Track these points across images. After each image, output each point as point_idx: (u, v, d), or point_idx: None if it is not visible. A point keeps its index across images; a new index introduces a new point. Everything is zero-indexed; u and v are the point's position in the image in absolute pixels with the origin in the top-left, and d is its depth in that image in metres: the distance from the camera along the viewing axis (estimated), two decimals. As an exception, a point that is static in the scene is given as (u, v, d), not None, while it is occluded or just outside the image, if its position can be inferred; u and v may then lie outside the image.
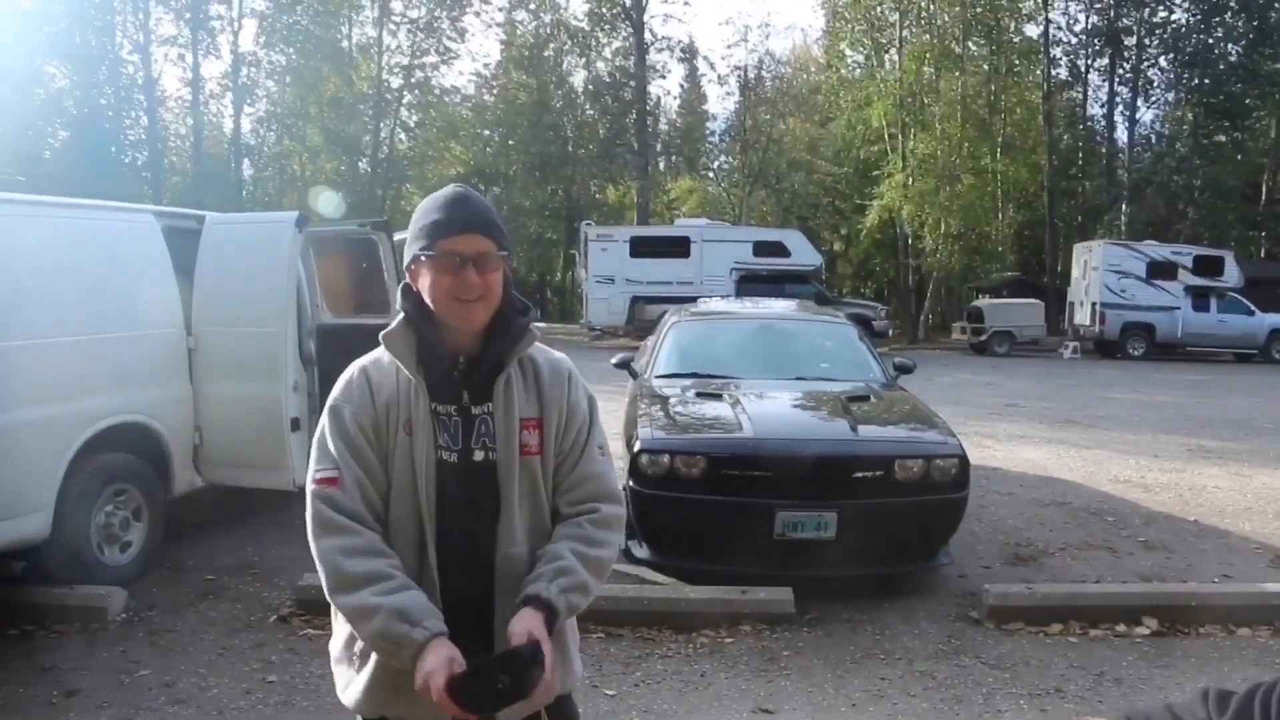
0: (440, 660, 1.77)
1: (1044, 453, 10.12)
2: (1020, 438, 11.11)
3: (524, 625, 1.82)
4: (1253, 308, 25.71)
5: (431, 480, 1.95)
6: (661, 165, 46.41)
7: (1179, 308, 25.72)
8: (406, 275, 2.02)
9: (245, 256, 6.03)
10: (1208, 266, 26.62)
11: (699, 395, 6.27)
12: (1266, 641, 5.00)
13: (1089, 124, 41.51)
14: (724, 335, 7.58)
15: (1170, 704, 1.65)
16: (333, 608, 1.98)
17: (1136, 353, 25.52)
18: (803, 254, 26.33)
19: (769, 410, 5.99)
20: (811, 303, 11.26)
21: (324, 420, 2.00)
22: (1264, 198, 37.66)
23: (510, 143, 42.08)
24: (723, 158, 48.71)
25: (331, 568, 1.89)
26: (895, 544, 5.47)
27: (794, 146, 41.38)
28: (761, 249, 25.93)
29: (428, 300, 1.97)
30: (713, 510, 5.38)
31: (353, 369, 2.04)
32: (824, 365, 7.03)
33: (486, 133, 42.87)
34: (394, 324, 2.00)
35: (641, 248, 26.24)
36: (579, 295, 31.52)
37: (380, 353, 2.03)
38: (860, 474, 5.39)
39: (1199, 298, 25.80)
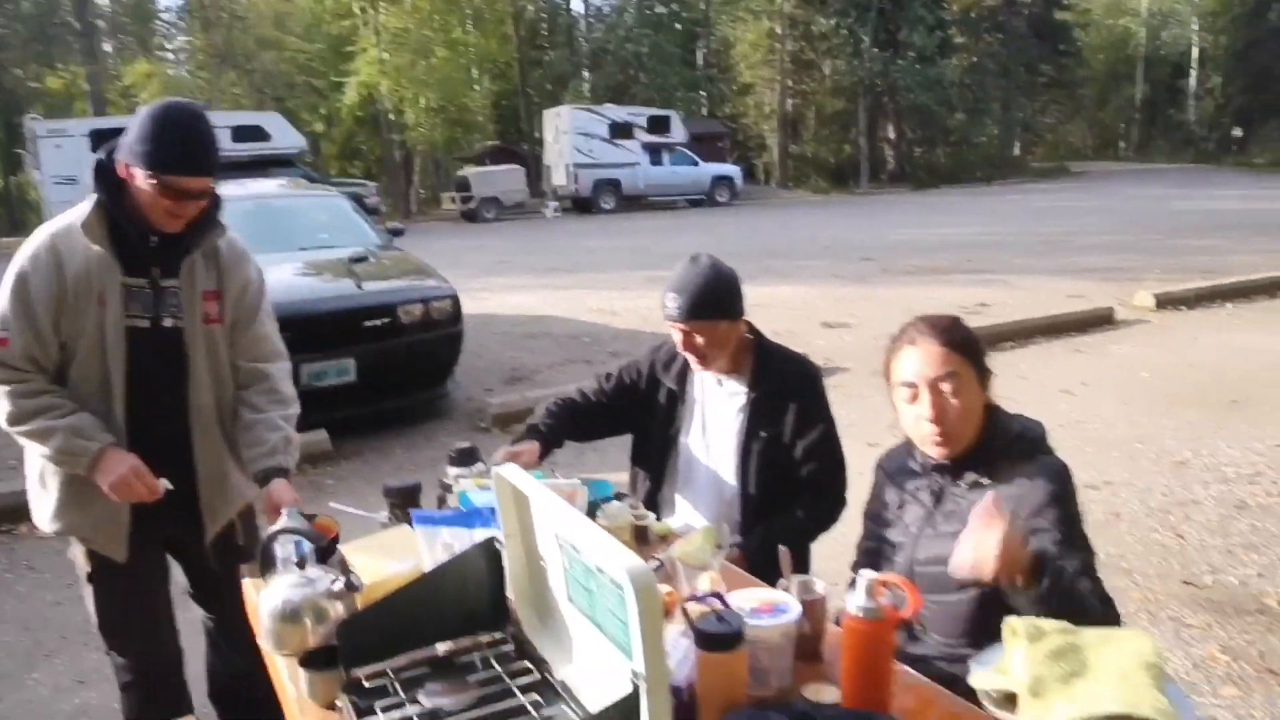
0: (124, 460, 2.19)
1: (532, 297, 11.53)
2: (512, 288, 12.47)
3: (280, 495, 2.27)
4: (697, 159, 29.98)
5: (122, 344, 2.27)
6: (109, 48, 41.74)
7: (639, 163, 29.08)
8: (118, 165, 2.22)
9: None
10: (658, 125, 30.22)
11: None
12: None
13: (549, -4, 44.08)
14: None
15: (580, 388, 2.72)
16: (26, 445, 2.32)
17: (608, 206, 28.53)
18: (284, 137, 25.66)
19: (280, 280, 6.41)
20: (302, 180, 11.52)
21: (7, 284, 2.20)
22: (700, 63, 42.93)
23: (-94, 24, 35.46)
24: (182, 38, 44.91)
25: (5, 404, 2.18)
26: (409, 378, 6.34)
27: (260, 23, 39.34)
28: (240, 134, 24.79)
29: (137, 198, 2.21)
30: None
31: (41, 238, 2.24)
32: (323, 236, 7.55)
33: None
34: (90, 211, 2.22)
35: (104, 141, 23.92)
36: (32, 201, 28.14)
37: (70, 223, 2.24)
38: (370, 323, 6.14)
39: (654, 153, 29.37)
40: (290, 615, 1.80)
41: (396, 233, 8.14)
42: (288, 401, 2.50)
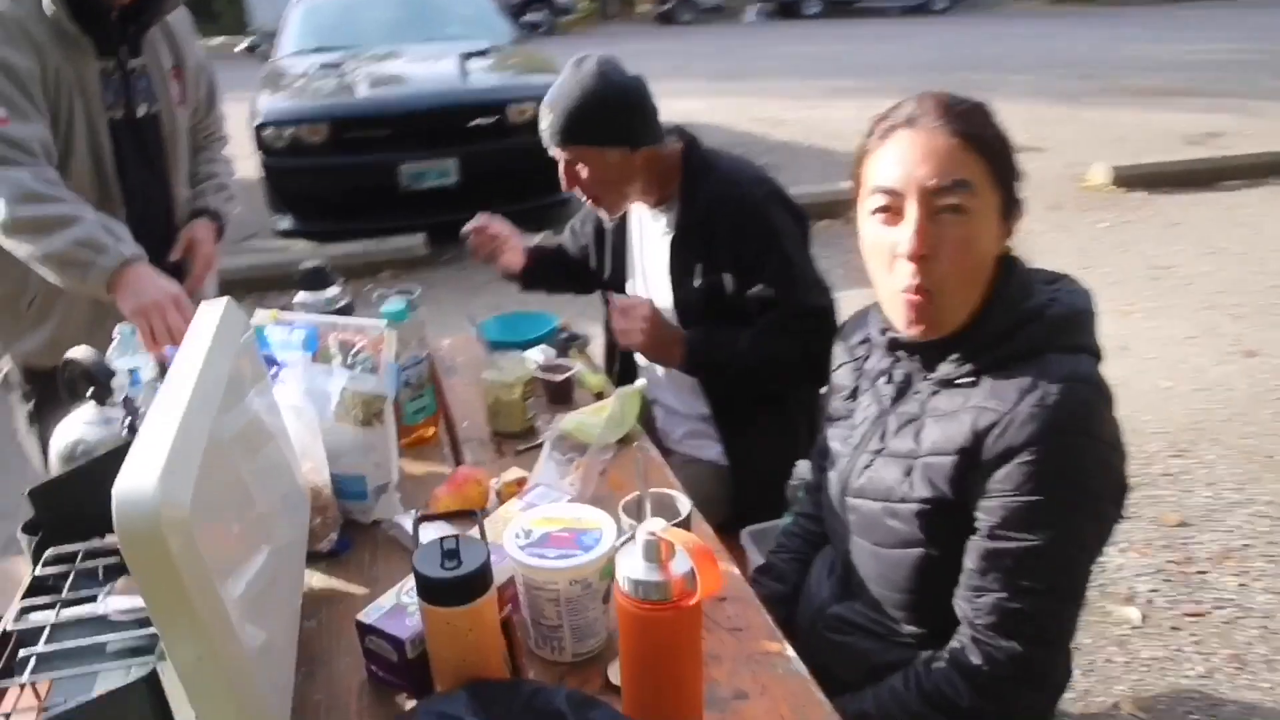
0: (163, 287, 1.81)
1: (697, 103, 10.75)
2: (679, 93, 11.60)
3: (196, 232, 2.16)
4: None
5: (108, 138, 1.95)
6: None
7: (850, -37, 26.71)
8: None
9: None
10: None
11: (321, 67, 6.27)
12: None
13: None
14: (349, 7, 7.43)
15: None
16: None
17: (813, 11, 26.48)
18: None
19: (385, 71, 6.15)
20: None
21: None
22: None
23: None
24: None
25: (16, 183, 1.77)
26: (516, 184, 5.89)
27: None
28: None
29: None
30: (342, 173, 5.60)
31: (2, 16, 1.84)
32: (452, 28, 7.09)
33: None
34: None
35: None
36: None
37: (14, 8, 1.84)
38: (475, 121, 5.69)
39: (871, -45, 26.81)
40: (80, 458, 1.43)
41: (534, 26, 7.57)
42: (230, 162, 2.41)
